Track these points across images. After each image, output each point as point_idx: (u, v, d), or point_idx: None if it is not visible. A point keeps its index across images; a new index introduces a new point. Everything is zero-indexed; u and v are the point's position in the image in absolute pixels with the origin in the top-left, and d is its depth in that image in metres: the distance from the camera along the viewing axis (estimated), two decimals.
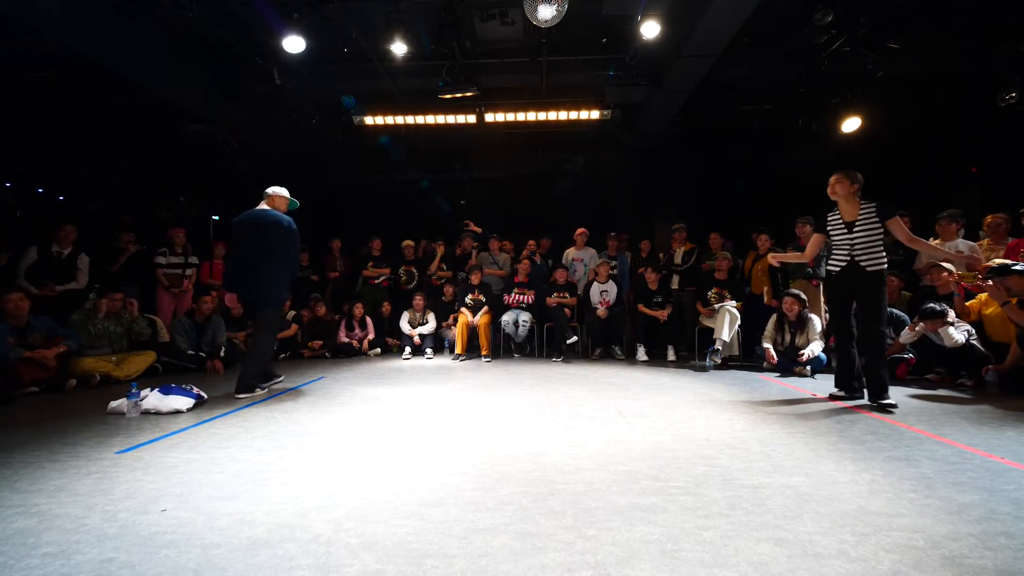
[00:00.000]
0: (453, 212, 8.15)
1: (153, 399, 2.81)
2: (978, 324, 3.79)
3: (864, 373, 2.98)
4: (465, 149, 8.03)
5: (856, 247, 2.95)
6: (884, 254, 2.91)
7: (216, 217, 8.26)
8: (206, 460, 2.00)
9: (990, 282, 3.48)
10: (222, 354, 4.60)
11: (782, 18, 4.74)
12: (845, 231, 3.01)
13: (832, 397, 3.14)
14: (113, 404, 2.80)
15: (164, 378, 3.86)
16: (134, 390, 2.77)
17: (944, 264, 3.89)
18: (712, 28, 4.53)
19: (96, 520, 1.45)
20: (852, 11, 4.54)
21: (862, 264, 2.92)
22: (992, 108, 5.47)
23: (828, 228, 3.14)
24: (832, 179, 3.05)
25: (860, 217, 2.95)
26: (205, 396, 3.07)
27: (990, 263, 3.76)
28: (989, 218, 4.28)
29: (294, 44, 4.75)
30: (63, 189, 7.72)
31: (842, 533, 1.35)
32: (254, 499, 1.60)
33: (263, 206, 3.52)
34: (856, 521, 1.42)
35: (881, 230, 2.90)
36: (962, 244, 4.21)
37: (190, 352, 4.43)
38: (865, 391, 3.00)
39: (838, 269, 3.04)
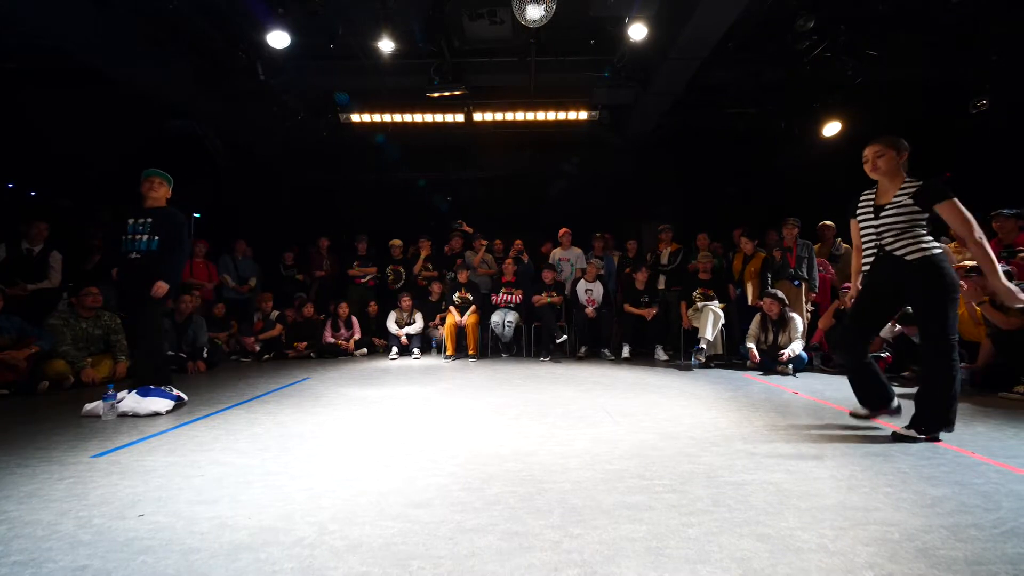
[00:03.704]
0: (447, 212, 8.10)
1: (130, 401, 2.73)
2: None
3: (917, 397, 2.25)
4: (456, 148, 8.00)
5: (884, 235, 2.26)
6: (929, 238, 2.19)
7: (197, 215, 8.07)
8: (186, 463, 1.95)
9: (962, 283, 3.60)
10: (204, 355, 4.50)
11: (766, 24, 4.83)
12: (871, 216, 2.31)
13: (853, 415, 2.55)
14: (88, 407, 2.71)
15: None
16: (110, 392, 2.69)
17: None
18: (698, 32, 4.59)
19: (69, 526, 1.41)
20: (833, 18, 4.66)
21: (897, 254, 2.21)
22: (965, 115, 5.67)
23: (857, 213, 2.42)
24: (870, 151, 2.29)
25: (895, 199, 2.23)
26: (185, 398, 2.99)
27: (963, 264, 3.89)
28: None
29: (279, 39, 4.67)
30: (35, 184, 7.45)
31: (822, 528, 1.38)
32: (236, 503, 1.57)
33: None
34: (835, 516, 1.46)
35: (920, 213, 2.19)
36: None
37: (170, 353, 4.32)
38: (901, 413, 2.38)
39: (867, 266, 2.36)
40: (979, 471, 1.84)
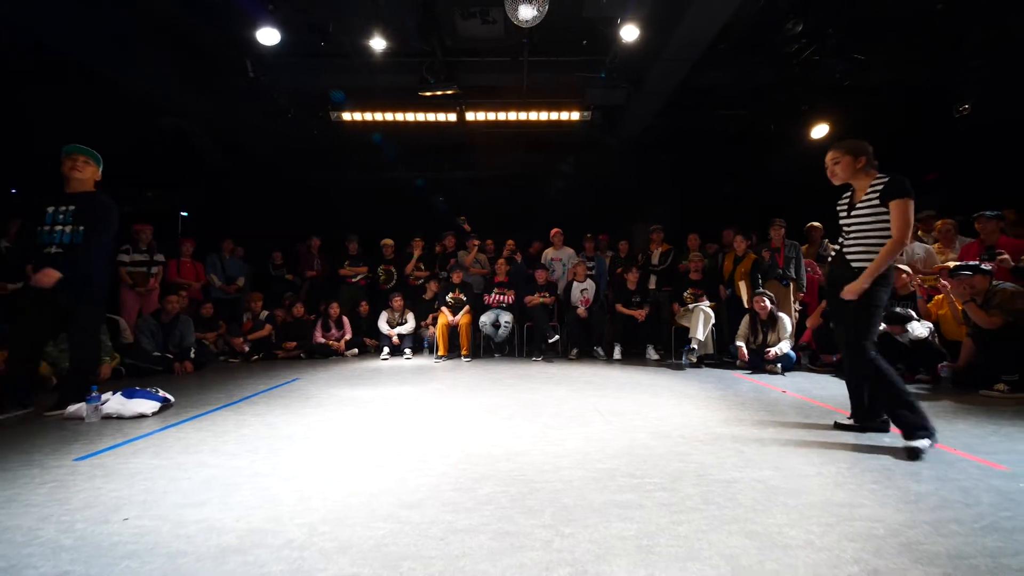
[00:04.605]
0: (447, 211, 8.06)
1: (115, 403, 2.68)
2: (934, 324, 4.00)
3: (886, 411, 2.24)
4: (449, 148, 7.98)
5: (850, 235, 2.29)
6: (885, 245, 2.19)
7: (185, 213, 7.95)
8: (172, 466, 1.92)
9: (944, 282, 3.67)
10: (191, 355, 4.43)
11: (756, 26, 4.89)
12: (845, 214, 2.34)
13: (837, 425, 2.46)
14: (71, 408, 2.66)
15: (128, 381, 3.69)
16: (94, 393, 2.64)
17: (901, 266, 4.10)
18: (690, 33, 4.63)
19: (51, 532, 1.38)
20: (822, 22, 4.73)
21: (848, 257, 2.28)
22: (949, 118, 5.79)
23: (837, 211, 2.40)
24: (828, 158, 2.32)
25: (865, 197, 2.23)
26: (172, 399, 2.95)
27: (945, 264, 3.98)
28: (939, 223, 4.54)
29: (268, 36, 4.62)
30: (16, 183, 7.28)
31: (809, 524, 1.40)
32: (224, 505, 1.55)
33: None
34: (822, 512, 1.48)
35: (885, 215, 2.16)
36: (918, 247, 4.44)
37: (156, 354, 4.26)
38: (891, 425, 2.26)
39: (830, 259, 2.38)
40: (960, 467, 1.88)
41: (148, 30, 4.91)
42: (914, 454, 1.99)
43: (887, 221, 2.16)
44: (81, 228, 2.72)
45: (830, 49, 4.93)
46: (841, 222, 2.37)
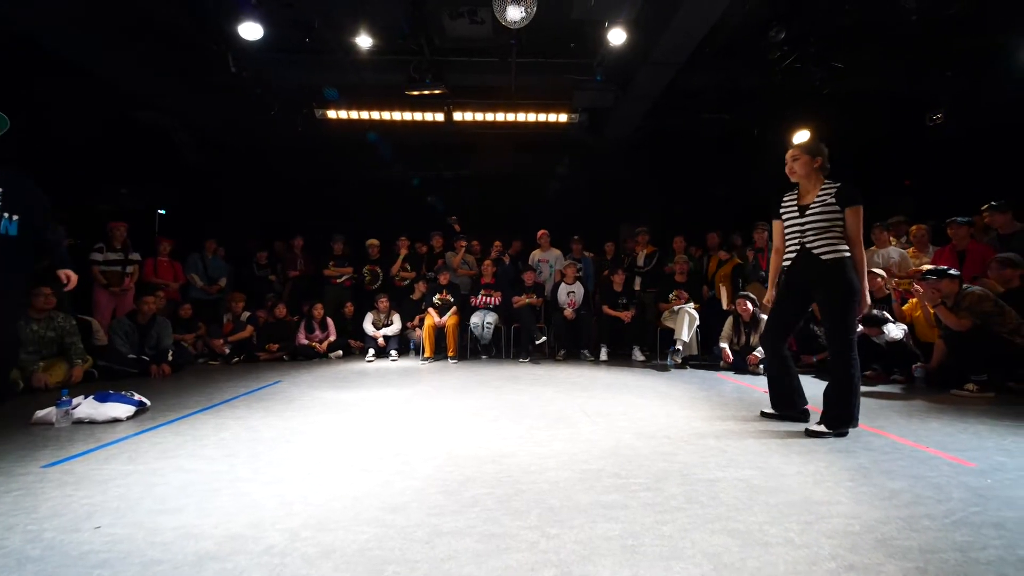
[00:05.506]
0: (441, 212, 7.99)
1: (87, 407, 2.59)
2: (908, 326, 4.13)
3: (824, 393, 2.42)
4: (436, 148, 7.94)
5: (807, 233, 2.43)
6: (844, 242, 2.38)
7: (163, 211, 7.73)
8: (148, 471, 1.86)
9: (917, 286, 3.80)
10: (169, 357, 4.31)
11: (741, 33, 4.99)
12: (797, 215, 2.48)
13: (763, 414, 2.71)
14: (40, 413, 2.55)
15: (101, 384, 3.57)
16: (64, 397, 2.54)
17: (876, 270, 4.22)
18: (676, 38, 4.71)
19: (16, 542, 1.32)
20: (803, 30, 4.85)
21: (815, 252, 2.39)
22: (923, 126, 6.01)
23: (781, 213, 2.58)
24: (788, 155, 2.53)
25: (817, 199, 2.42)
26: (148, 403, 2.86)
27: (919, 268, 4.11)
28: (914, 228, 4.70)
29: (251, 31, 4.53)
30: None
31: (788, 522, 1.43)
32: (202, 511, 1.51)
33: None
34: (801, 510, 1.51)
35: (841, 215, 2.37)
36: (893, 251, 4.59)
37: (131, 356, 4.13)
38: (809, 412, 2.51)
39: (788, 262, 2.53)
40: (932, 464, 1.94)
41: (126, 20, 4.76)
42: (813, 435, 2.32)
43: (842, 217, 2.39)
44: (15, 217, 2.38)
45: (811, 57, 5.06)
46: (792, 223, 2.52)
